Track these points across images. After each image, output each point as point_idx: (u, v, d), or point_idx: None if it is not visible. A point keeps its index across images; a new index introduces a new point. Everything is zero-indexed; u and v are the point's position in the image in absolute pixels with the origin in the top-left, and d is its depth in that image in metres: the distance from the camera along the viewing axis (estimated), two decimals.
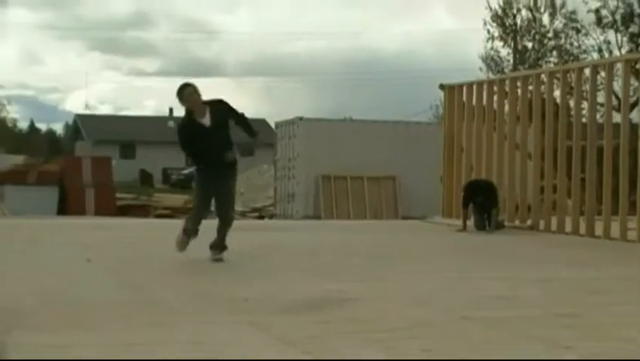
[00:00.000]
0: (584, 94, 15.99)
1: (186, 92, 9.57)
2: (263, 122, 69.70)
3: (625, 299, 7.54)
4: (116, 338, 5.42)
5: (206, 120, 9.59)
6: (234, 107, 9.87)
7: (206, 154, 9.69)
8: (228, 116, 9.77)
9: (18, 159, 31.92)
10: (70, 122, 78.13)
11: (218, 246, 9.69)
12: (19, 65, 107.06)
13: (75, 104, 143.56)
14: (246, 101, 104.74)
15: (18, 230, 14.39)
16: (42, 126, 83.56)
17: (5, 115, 63.56)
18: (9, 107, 64.86)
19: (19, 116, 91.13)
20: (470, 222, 15.48)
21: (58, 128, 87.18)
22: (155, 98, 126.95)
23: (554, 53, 47.32)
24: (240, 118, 9.85)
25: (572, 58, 43.60)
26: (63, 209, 27.27)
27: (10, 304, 6.71)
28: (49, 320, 6.13)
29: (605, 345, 5.37)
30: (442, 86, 18.72)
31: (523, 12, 48.15)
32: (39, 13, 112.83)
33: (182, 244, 9.81)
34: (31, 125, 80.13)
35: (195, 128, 9.63)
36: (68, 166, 28.57)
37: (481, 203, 15.01)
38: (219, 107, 9.74)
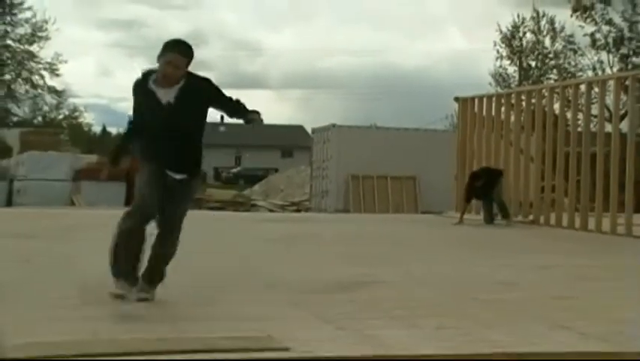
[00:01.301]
0: (580, 107, 15.85)
1: (168, 58, 5.62)
2: (301, 128, 70.03)
3: (615, 285, 7.47)
4: (169, 314, 5.41)
5: (168, 95, 5.67)
6: (220, 91, 5.91)
7: (152, 142, 5.80)
8: (207, 102, 5.86)
9: (92, 159, 32.04)
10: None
11: (151, 277, 5.84)
12: (94, 77, 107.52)
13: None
14: (287, 110, 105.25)
15: (93, 219, 14.53)
16: (113, 130, 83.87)
17: (82, 120, 63.86)
18: (85, 113, 65.17)
19: (93, 122, 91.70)
20: (480, 217, 15.43)
21: None
22: None
23: (554, 71, 47.18)
24: (225, 102, 5.95)
25: (569, 75, 43.43)
26: (130, 201, 27.39)
27: (88, 281, 6.74)
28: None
29: (599, 325, 5.31)
30: (456, 99, 18.66)
31: (528, 35, 48.02)
32: (111, 34, 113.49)
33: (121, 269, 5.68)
34: (104, 130, 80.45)
35: (146, 98, 5.74)
36: (134, 165, 28.61)
37: (481, 187, 14.93)
38: (197, 85, 5.77)
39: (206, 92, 5.82)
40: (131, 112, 5.94)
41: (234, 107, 6.00)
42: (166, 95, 5.70)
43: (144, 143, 5.89)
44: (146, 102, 5.76)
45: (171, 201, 5.80)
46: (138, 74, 5.83)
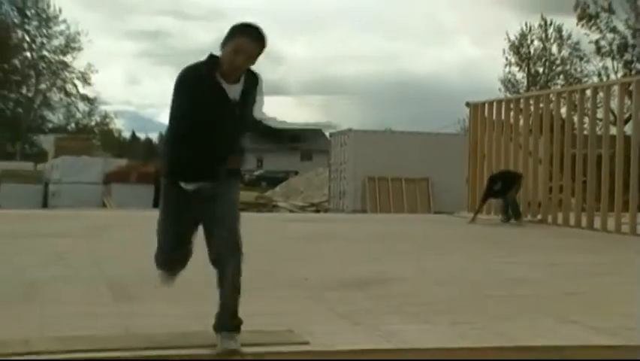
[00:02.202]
0: (586, 111, 15.75)
1: (239, 45, 4.21)
2: (320, 132, 70.04)
3: (622, 281, 7.41)
4: (196, 309, 5.40)
5: (235, 92, 4.27)
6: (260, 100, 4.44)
7: (205, 145, 4.25)
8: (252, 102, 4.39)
9: (122, 162, 32.22)
10: (164, 132, 78.43)
11: (228, 323, 4.33)
12: (123, 85, 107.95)
13: (167, 118, 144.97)
14: (306, 115, 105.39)
15: (123, 220, 14.58)
16: (141, 135, 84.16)
17: (112, 126, 64.22)
18: (115, 120, 65.48)
19: (123, 128, 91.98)
20: (490, 217, 15.35)
21: (154, 137, 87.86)
22: None
23: (561, 76, 47.07)
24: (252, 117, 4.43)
25: (575, 81, 43.32)
26: (158, 202, 27.43)
27: (119, 278, 6.76)
28: (144, 292, 6.16)
29: (607, 319, 5.26)
30: (467, 104, 18.58)
31: (536, 42, 47.94)
32: (139, 44, 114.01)
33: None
34: (133, 135, 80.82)
35: (214, 93, 4.23)
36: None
37: (499, 190, 14.86)
38: (253, 84, 4.38)
39: (254, 92, 4.40)
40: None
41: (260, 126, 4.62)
42: (233, 92, 4.26)
43: (179, 151, 4.37)
44: (216, 99, 4.23)
45: (214, 217, 4.33)
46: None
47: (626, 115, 17.87)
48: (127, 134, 77.71)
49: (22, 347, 4.14)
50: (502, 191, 14.85)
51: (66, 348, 4.13)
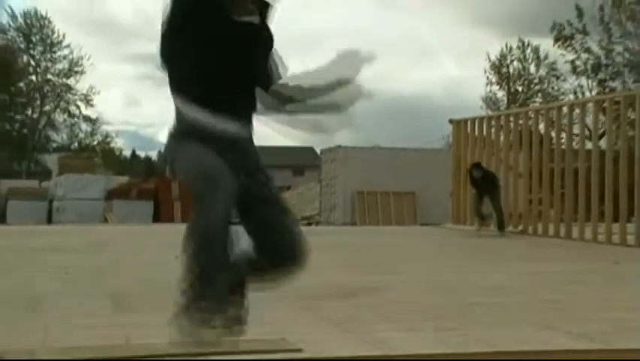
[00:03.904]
0: (563, 127, 15.82)
1: None
2: (310, 149, 70.03)
3: (599, 288, 7.42)
4: None
5: (255, 19, 3.43)
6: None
7: (218, 82, 3.44)
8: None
9: (123, 180, 32.16)
10: (163, 150, 78.19)
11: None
12: (124, 106, 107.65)
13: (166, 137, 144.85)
14: (297, 133, 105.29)
15: (124, 234, 14.51)
16: (141, 154, 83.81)
17: (114, 145, 64.16)
18: (117, 139, 65.45)
19: (124, 146, 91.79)
20: (473, 228, 15.35)
21: (153, 155, 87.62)
22: None
23: (539, 94, 47.35)
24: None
25: (553, 98, 43.57)
26: (157, 217, 27.42)
27: (120, 290, 6.73)
28: (146, 302, 6.13)
29: (585, 324, 5.25)
30: (451, 121, 18.64)
31: (515, 63, 48.20)
32: (139, 68, 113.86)
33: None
34: (133, 153, 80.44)
35: (221, 19, 3.28)
36: (161, 184, 28.65)
37: (480, 182, 14.82)
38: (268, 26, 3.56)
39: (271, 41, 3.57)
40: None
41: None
42: (253, 18, 3.42)
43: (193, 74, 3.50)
44: (226, 26, 3.32)
45: (253, 181, 3.49)
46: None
47: (601, 130, 17.96)
48: (127, 153, 77.38)
49: (28, 356, 4.11)
50: (482, 185, 14.78)
51: (70, 358, 4.10)
